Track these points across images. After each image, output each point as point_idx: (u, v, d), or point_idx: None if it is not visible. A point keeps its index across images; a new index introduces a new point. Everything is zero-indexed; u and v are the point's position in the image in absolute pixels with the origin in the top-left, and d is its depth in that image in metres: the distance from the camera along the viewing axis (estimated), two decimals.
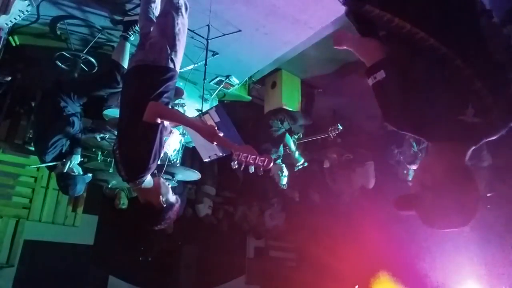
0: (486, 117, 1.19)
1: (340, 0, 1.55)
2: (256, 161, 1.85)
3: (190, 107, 3.93)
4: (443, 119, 1.23)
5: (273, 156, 4.34)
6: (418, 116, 1.29)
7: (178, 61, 2.35)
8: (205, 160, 2.81)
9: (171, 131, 2.35)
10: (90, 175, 3.21)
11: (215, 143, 2.06)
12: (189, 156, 4.65)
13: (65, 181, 3.01)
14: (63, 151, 3.00)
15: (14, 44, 3.66)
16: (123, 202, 4.81)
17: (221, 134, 2.05)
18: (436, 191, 1.21)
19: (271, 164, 1.86)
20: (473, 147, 1.26)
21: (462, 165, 1.24)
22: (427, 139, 1.33)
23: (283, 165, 4.40)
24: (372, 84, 1.40)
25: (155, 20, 2.54)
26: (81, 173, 3.09)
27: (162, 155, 2.26)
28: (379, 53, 1.41)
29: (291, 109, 4.74)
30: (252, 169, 1.88)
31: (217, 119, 2.56)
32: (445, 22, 1.30)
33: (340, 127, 4.60)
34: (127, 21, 3.27)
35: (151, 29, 2.47)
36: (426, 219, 1.25)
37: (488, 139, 1.27)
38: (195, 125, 2.14)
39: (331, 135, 4.67)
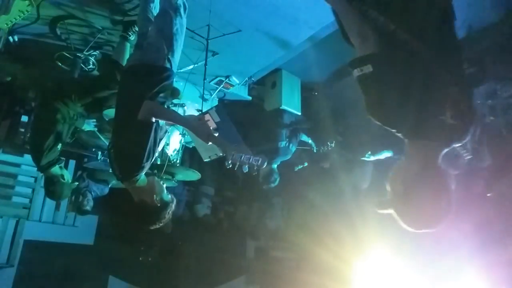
0: (460, 120, 1.27)
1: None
2: (250, 160, 1.86)
3: (190, 107, 3.93)
4: (425, 117, 1.28)
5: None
6: (401, 113, 1.32)
7: (175, 61, 2.35)
8: (205, 160, 2.81)
9: (166, 131, 2.35)
10: (76, 183, 3.20)
11: (210, 142, 2.06)
12: (188, 156, 4.65)
13: (53, 186, 2.98)
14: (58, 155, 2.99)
15: (14, 44, 3.66)
16: (87, 204, 4.22)
17: (216, 134, 2.04)
18: (410, 191, 1.26)
19: (265, 164, 1.87)
20: (446, 150, 1.32)
21: (437, 166, 1.29)
22: (406, 137, 1.37)
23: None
24: (356, 76, 1.43)
25: (153, 19, 2.54)
26: (70, 180, 3.08)
27: (157, 154, 2.26)
28: (371, 45, 1.41)
29: (292, 110, 4.77)
30: (246, 168, 1.88)
31: (217, 119, 2.56)
32: (427, 28, 1.36)
33: (332, 145, 4.70)
34: (126, 21, 3.27)
35: (149, 29, 2.47)
36: (402, 219, 1.30)
37: (457, 143, 1.33)
38: (190, 124, 2.14)
39: (321, 149, 4.78)
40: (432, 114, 1.27)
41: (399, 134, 1.38)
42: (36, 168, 4.45)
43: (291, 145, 4.54)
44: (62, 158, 2.98)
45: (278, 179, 4.40)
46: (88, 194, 4.24)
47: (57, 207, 4.97)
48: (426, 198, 1.24)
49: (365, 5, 1.41)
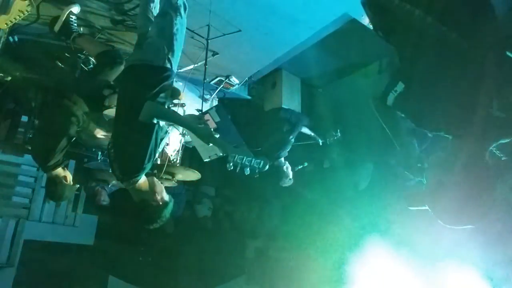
0: (508, 112, 1.20)
1: None
2: (252, 163, 1.86)
3: (190, 107, 3.93)
4: (471, 113, 1.23)
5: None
6: (445, 115, 1.29)
7: (175, 61, 2.35)
8: (205, 160, 2.81)
9: (166, 131, 2.35)
10: (78, 185, 3.21)
11: (211, 144, 2.06)
12: (188, 156, 4.65)
13: (55, 187, 2.96)
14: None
15: (14, 44, 3.66)
16: (104, 199, 4.56)
17: (217, 136, 2.04)
18: (453, 187, 1.22)
19: (267, 167, 1.86)
20: (493, 145, 1.27)
21: (482, 162, 1.25)
22: (454, 136, 1.33)
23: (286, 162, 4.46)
24: (393, 100, 1.40)
25: (153, 19, 2.54)
26: (71, 182, 3.08)
27: (157, 155, 2.26)
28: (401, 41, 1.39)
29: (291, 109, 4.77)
30: (247, 171, 1.88)
31: (217, 119, 2.57)
32: (467, 18, 1.29)
33: (339, 134, 4.67)
34: (61, 30, 3.20)
35: (149, 29, 2.47)
36: (439, 215, 1.27)
37: (504, 139, 1.28)
38: (190, 126, 2.15)
39: (328, 140, 4.75)
40: (478, 108, 1.21)
41: (447, 136, 1.34)
42: (36, 168, 4.49)
43: (290, 136, 4.55)
44: (66, 159, 2.99)
45: (291, 176, 4.41)
46: (102, 191, 4.43)
47: (58, 205, 4.97)
48: (470, 195, 1.20)
49: None
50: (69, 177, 3.00)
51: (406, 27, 1.39)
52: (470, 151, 1.25)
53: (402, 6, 1.34)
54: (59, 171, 2.90)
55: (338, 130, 4.71)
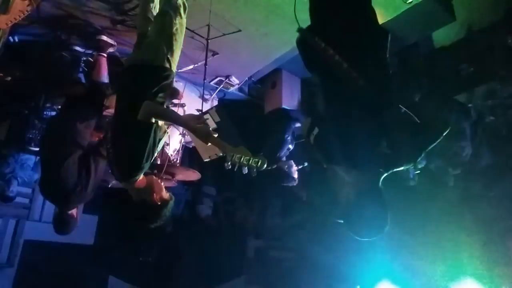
0: (394, 150, 1.52)
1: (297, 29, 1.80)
2: (250, 162, 1.86)
3: (190, 107, 3.93)
4: (367, 149, 1.51)
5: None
6: (349, 151, 1.55)
7: (175, 61, 2.35)
8: (205, 160, 2.81)
9: (165, 131, 2.35)
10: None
11: (209, 143, 2.06)
12: (188, 156, 4.65)
13: (66, 225, 2.91)
14: None
15: (14, 44, 3.66)
16: (12, 191, 3.94)
17: (216, 135, 2.05)
18: (358, 209, 1.53)
19: (265, 166, 1.87)
20: (385, 174, 1.57)
21: (378, 189, 1.56)
22: (356, 169, 1.58)
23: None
24: (313, 139, 1.72)
25: (153, 19, 2.54)
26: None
27: (156, 154, 2.26)
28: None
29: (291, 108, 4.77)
30: (245, 170, 1.88)
31: (217, 119, 2.57)
32: (370, 64, 1.55)
33: None
34: None
35: (149, 29, 2.47)
36: (349, 229, 1.58)
37: (394, 169, 1.58)
38: (189, 125, 2.15)
39: None
40: (371, 147, 1.50)
41: (350, 168, 1.59)
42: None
43: (286, 135, 4.53)
44: None
45: (295, 175, 4.40)
46: (13, 181, 3.96)
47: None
48: (370, 215, 1.52)
49: (324, 41, 1.58)
50: (76, 212, 2.97)
51: (327, 70, 1.57)
52: (367, 180, 1.54)
53: (326, 49, 1.53)
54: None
55: None
